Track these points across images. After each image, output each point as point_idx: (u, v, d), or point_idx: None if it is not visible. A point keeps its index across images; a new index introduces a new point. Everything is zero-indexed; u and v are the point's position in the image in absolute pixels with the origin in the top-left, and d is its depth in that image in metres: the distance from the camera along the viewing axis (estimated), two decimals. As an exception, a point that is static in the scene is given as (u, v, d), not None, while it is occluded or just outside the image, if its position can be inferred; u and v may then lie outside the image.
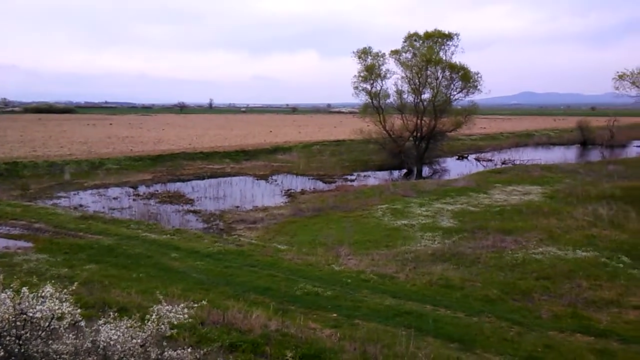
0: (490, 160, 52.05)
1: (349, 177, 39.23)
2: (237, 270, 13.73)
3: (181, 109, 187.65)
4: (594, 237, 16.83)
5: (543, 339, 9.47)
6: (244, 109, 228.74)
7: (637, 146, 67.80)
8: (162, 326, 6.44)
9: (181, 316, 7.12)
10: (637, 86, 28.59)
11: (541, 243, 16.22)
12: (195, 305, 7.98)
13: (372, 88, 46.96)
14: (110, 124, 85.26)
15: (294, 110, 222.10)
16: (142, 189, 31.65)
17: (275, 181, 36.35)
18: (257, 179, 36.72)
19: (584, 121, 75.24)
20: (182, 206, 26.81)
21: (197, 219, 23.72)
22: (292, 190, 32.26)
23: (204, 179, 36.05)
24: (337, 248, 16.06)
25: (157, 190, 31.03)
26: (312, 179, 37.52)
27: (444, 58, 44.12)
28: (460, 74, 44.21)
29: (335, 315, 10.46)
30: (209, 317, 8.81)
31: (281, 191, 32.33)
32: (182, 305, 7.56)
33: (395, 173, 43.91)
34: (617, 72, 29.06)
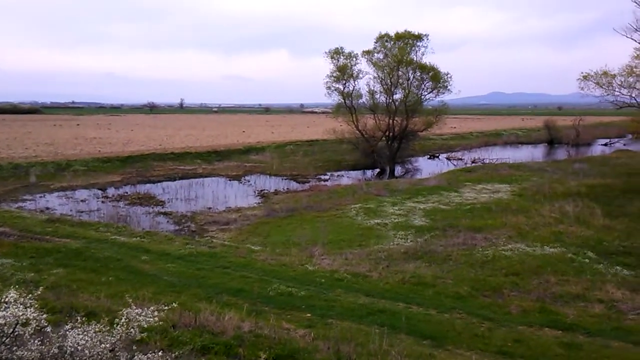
0: (461, 159, 52.94)
1: (323, 177, 39.32)
2: (210, 272, 13.57)
3: (151, 109, 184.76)
4: (561, 233, 17.28)
5: (512, 334, 9.67)
6: (215, 109, 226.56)
7: (601, 145, 70.02)
8: (132, 330, 6.30)
9: (151, 319, 6.99)
10: (600, 86, 29.42)
11: (510, 240, 16.56)
12: (166, 308, 7.86)
13: (344, 88, 47.21)
14: (78, 125, 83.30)
15: (266, 110, 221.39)
16: (111, 191, 31.02)
17: (248, 182, 36.15)
18: (230, 180, 36.43)
19: (550, 120, 77.29)
20: (152, 208, 26.38)
21: (168, 221, 23.37)
22: (266, 191, 32.13)
23: (175, 180, 35.58)
24: (311, 248, 16.05)
25: (127, 192, 30.45)
26: (285, 179, 37.45)
27: (414, 59, 44.68)
28: (430, 74, 44.84)
29: (309, 315, 10.45)
30: (181, 319, 8.69)
31: (254, 192, 32.16)
32: (153, 308, 7.43)
33: (369, 172, 44.20)
34: (582, 73, 29.86)
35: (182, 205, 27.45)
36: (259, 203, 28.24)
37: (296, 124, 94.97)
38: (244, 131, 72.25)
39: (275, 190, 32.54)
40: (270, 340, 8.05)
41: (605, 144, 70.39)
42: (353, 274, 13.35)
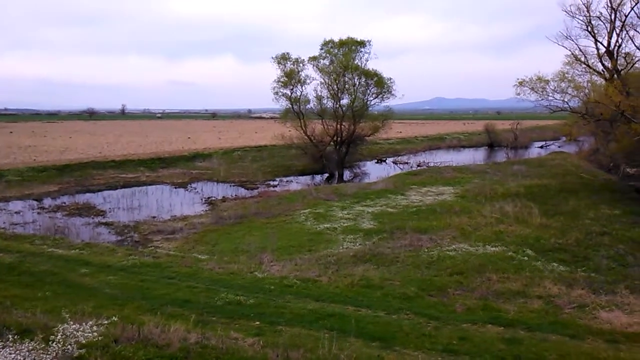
0: (407, 163, 54.14)
1: (272, 183, 39.09)
2: (154, 284, 13.14)
3: (90, 115, 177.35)
4: (501, 232, 17.95)
5: (458, 332, 9.93)
6: (159, 115, 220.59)
7: (538, 147, 73.66)
8: (69, 347, 5.98)
9: (90, 335, 6.66)
10: (535, 92, 30.89)
11: (454, 240, 17.04)
12: (106, 322, 7.51)
13: (292, 93, 47.24)
14: (11, 132, 78.75)
15: (213, 115, 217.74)
16: (47, 202, 29.50)
17: (195, 189, 35.38)
18: (175, 188, 35.53)
19: (490, 125, 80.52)
20: (92, 218, 25.28)
21: (109, 232, 22.47)
22: (213, 198, 31.55)
23: (116, 188, 34.29)
24: (260, 255, 15.88)
25: (65, 203, 29.06)
26: (233, 185, 36.95)
27: (359, 64, 45.36)
28: (374, 79, 45.66)
29: (258, 323, 10.31)
30: (123, 333, 8.33)
31: (201, 199, 31.51)
32: (91, 323, 7.08)
33: (318, 177, 44.37)
34: (518, 79, 31.21)
35: (124, 214, 26.46)
36: (206, 211, 27.67)
37: (244, 130, 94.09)
38: (189, 137, 70.75)
39: (223, 197, 32.02)
40: (218, 351, 7.87)
41: (542, 147, 74.10)
42: (303, 280, 13.32)
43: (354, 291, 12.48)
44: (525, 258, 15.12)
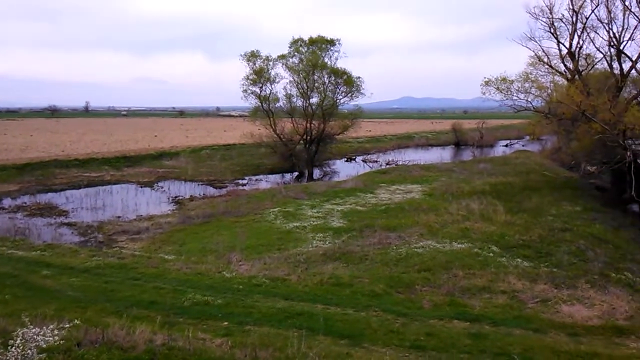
0: (376, 161, 54.62)
1: (241, 182, 38.80)
2: (119, 285, 12.83)
3: (53, 112, 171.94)
4: (467, 229, 18.27)
5: (425, 328, 10.06)
6: (125, 112, 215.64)
7: (503, 146, 75.45)
8: (29, 351, 5.79)
9: (51, 339, 6.45)
10: (500, 91, 31.61)
11: (422, 238, 17.25)
12: (68, 325, 7.29)
13: (261, 91, 46.96)
14: (-33, 130, 75.65)
15: (181, 113, 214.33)
16: (6, 202, 28.49)
17: (162, 188, 34.77)
18: (141, 187, 34.81)
19: (457, 124, 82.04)
20: (54, 219, 24.54)
21: (72, 232, 21.85)
22: (180, 197, 31.08)
23: (80, 188, 33.38)
24: (229, 254, 15.70)
25: (25, 203, 28.12)
26: (201, 184, 36.50)
27: (328, 63, 45.46)
28: (344, 78, 45.83)
29: (226, 323, 10.19)
30: (86, 336, 8.10)
31: (168, 198, 30.99)
32: (52, 326, 6.85)
33: (287, 176, 44.26)
34: (484, 79, 31.91)
35: (88, 214, 25.78)
36: (173, 210, 27.23)
37: (212, 128, 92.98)
38: (156, 135, 69.46)
39: (191, 196, 31.57)
40: (185, 352, 7.74)
41: (506, 145, 75.96)
42: (272, 279, 13.24)
43: (323, 289, 12.49)
44: (491, 254, 15.43)
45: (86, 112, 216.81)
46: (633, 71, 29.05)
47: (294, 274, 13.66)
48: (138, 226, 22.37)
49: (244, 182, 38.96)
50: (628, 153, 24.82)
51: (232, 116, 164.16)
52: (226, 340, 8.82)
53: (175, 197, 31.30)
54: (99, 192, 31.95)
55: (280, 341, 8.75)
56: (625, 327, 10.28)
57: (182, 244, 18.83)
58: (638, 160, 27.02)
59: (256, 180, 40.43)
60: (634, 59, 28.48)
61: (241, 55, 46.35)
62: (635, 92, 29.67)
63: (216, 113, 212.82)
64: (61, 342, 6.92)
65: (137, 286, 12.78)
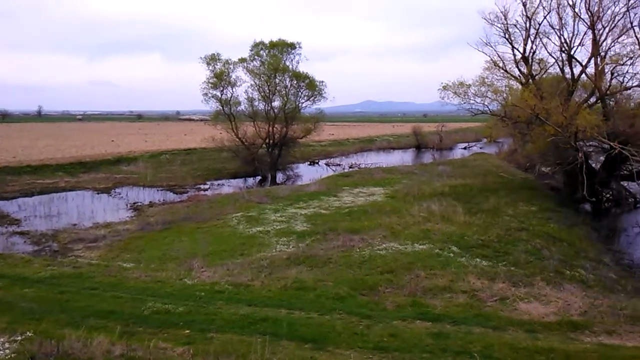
0: (339, 164, 54.93)
1: (202, 187, 38.22)
2: (75, 295, 12.36)
3: (3, 117, 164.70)
4: (428, 231, 18.56)
5: (388, 329, 10.12)
6: (80, 117, 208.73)
7: (461, 148, 77.33)
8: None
9: (2, 352, 6.22)
10: (458, 95, 32.42)
11: (385, 239, 17.40)
12: (20, 337, 6.97)
13: (222, 95, 46.54)
14: None
15: (139, 117, 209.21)
16: (-48, 211, 27.05)
17: (119, 194, 33.84)
18: (98, 193, 33.79)
19: (417, 127, 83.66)
20: (5, 228, 23.47)
21: (24, 241, 20.95)
22: (139, 203, 30.32)
23: (32, 195, 32.07)
24: (190, 261, 15.39)
25: (-27, 211, 26.79)
26: (161, 190, 35.75)
27: (290, 67, 45.49)
28: (306, 82, 45.97)
29: (188, 331, 9.96)
30: (41, 349, 7.79)
31: (126, 205, 30.18)
32: (3, 339, 6.54)
33: (250, 180, 43.92)
34: (442, 83, 32.65)
35: (41, 223, 24.77)
36: (131, 217, 26.51)
37: (172, 132, 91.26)
38: (113, 140, 67.61)
39: (150, 202, 30.86)
40: (144, 363, 7.52)
41: (465, 148, 77.92)
42: (235, 285, 13.05)
43: (287, 294, 12.40)
44: (451, 255, 15.72)
45: (39, 116, 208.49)
46: (583, 75, 30.35)
47: (258, 279, 13.51)
48: (95, 234, 21.65)
49: (206, 187, 38.39)
50: (579, 154, 25.90)
51: (193, 120, 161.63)
52: (188, 349, 8.63)
53: (134, 203, 30.54)
54: (53, 199, 30.79)
55: (243, 348, 8.62)
56: (579, 322, 10.65)
57: (141, 252, 18.34)
58: (589, 161, 28.25)
59: (218, 185, 39.91)
60: (583, 63, 29.78)
61: (201, 58, 45.88)
62: (586, 95, 31.00)
63: (176, 117, 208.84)
64: (13, 355, 6.63)
65: (94, 296, 12.35)
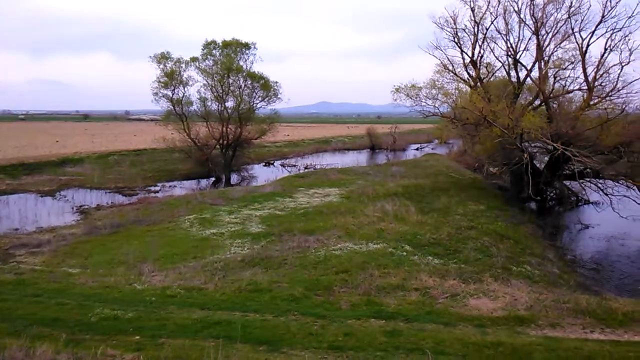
0: (294, 165, 54.90)
1: (153, 189, 37.26)
2: (16, 303, 11.75)
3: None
4: (382, 230, 18.83)
5: (343, 328, 10.19)
6: (22, 116, 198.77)
7: (414, 149, 78.97)
8: None
9: None
10: (410, 98, 33.07)
11: (340, 240, 17.50)
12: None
13: (173, 95, 45.58)
14: None
15: (85, 117, 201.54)
16: None
17: (65, 197, 32.49)
18: (42, 196, 32.32)
19: (371, 128, 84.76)
20: (-61, 233, 22.02)
21: (-39, 248, 19.70)
22: (86, 206, 29.23)
23: (-30, 199, 30.30)
24: (140, 265, 14.94)
25: None
26: (109, 192, 34.60)
27: (244, 67, 45.06)
28: (260, 82, 45.66)
29: (138, 337, 9.66)
30: (-22, 361, 7.37)
31: (72, 208, 29.01)
32: None
33: (204, 182, 43.19)
34: (395, 86, 33.20)
35: (-20, 228, 23.43)
36: (77, 220, 25.49)
37: (121, 132, 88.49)
38: (58, 141, 64.79)
39: (98, 205, 29.80)
40: (91, 372, 7.23)
41: (417, 149, 79.66)
42: (187, 288, 12.78)
43: (241, 296, 12.25)
44: (404, 253, 16.00)
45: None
46: (528, 79, 31.68)
47: (211, 282, 13.28)
48: (38, 239, 20.64)
49: (157, 188, 37.44)
50: (525, 155, 26.97)
51: (143, 120, 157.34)
52: (138, 356, 8.38)
53: (80, 206, 29.40)
54: (-7, 203, 29.22)
55: (196, 352, 8.45)
56: (526, 317, 11.08)
57: (87, 256, 17.64)
58: (534, 162, 29.47)
59: (170, 186, 39.02)
60: (528, 68, 31.11)
61: (151, 57, 44.77)
62: (531, 98, 32.35)
63: (125, 117, 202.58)
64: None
65: (38, 303, 11.78)
